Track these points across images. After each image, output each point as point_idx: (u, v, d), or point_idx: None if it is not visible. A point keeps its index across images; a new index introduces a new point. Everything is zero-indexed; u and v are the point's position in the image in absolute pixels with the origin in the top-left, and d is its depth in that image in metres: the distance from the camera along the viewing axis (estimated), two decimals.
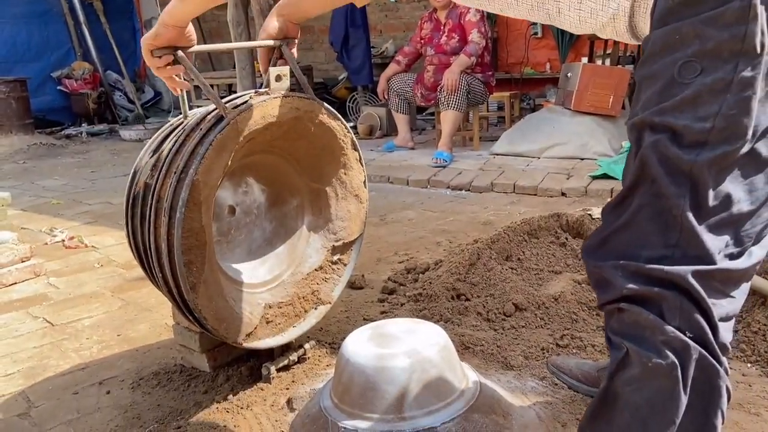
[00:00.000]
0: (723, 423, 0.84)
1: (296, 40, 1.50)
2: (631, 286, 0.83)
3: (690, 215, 0.81)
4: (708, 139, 0.81)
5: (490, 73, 5.07)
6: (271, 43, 1.45)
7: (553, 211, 2.71)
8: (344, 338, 1.52)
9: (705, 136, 0.81)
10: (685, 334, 0.80)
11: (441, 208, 3.77)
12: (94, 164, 6.07)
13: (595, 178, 3.97)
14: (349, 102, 6.97)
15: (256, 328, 1.62)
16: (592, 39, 5.69)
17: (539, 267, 2.38)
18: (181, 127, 1.57)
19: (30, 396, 1.81)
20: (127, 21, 9.26)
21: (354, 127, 6.64)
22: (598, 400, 0.89)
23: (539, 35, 7.03)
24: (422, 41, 5.18)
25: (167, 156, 1.47)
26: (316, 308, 1.79)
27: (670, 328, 0.81)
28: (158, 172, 1.47)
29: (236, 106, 1.45)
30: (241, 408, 1.63)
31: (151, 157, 1.58)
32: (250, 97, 1.49)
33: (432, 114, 6.53)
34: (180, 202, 1.37)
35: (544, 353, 1.81)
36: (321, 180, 1.78)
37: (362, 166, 1.79)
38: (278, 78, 1.48)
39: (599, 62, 5.62)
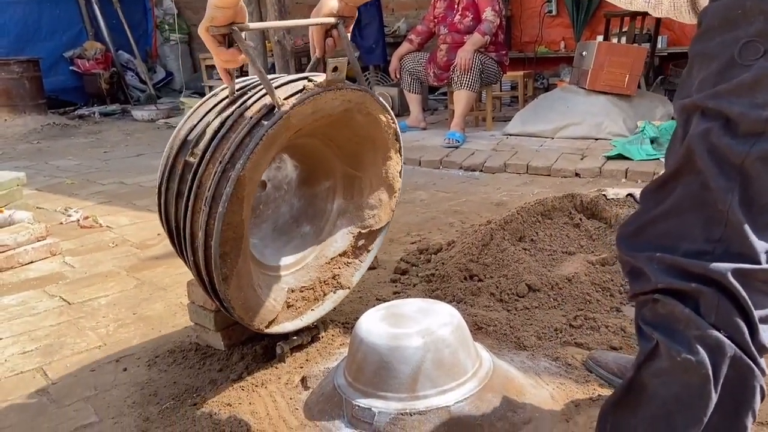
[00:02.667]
0: (754, 422, 0.82)
1: (353, 19, 1.43)
2: (666, 279, 0.80)
3: (738, 211, 0.76)
4: (765, 129, 0.74)
5: (503, 52, 5.01)
6: (331, 20, 1.37)
7: (566, 191, 2.69)
8: (357, 318, 1.52)
9: (762, 125, 0.74)
10: (720, 332, 0.77)
11: (453, 188, 3.75)
12: (107, 144, 6.10)
13: (609, 158, 3.94)
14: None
15: (278, 314, 1.63)
16: (608, 16, 5.59)
17: (553, 248, 2.37)
18: (226, 102, 1.48)
19: (48, 373, 1.84)
20: (139, 0, 9.24)
21: None
22: (623, 389, 0.87)
23: (554, 13, 6.93)
24: (435, 20, 5.12)
25: (212, 139, 1.40)
26: (334, 292, 1.80)
27: (705, 324, 0.77)
28: (201, 156, 1.39)
29: (288, 96, 1.37)
30: (256, 386, 1.65)
31: (191, 132, 1.49)
32: (304, 88, 1.40)
33: (444, 94, 6.48)
34: (223, 197, 1.31)
35: (557, 334, 1.81)
36: (358, 167, 1.76)
37: (401, 156, 1.76)
38: (335, 69, 1.39)
39: (615, 40, 5.53)
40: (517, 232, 2.41)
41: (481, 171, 4.13)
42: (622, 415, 0.86)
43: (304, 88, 1.39)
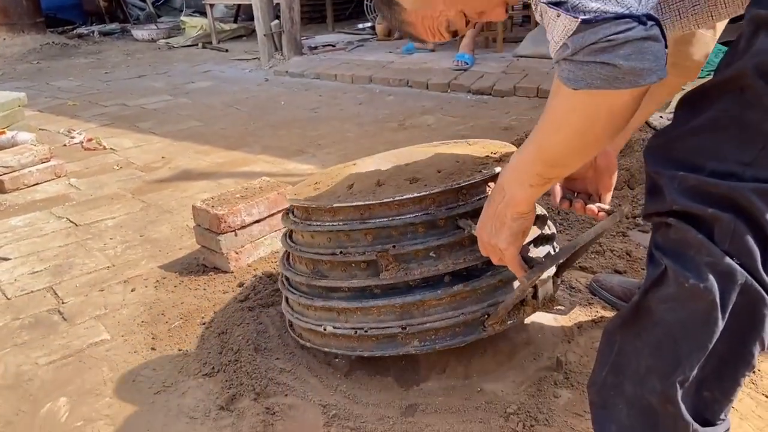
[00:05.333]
0: (762, 350, 0.81)
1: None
2: (683, 202, 0.76)
3: None
4: None
5: None
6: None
7: None
8: None
9: None
10: (733, 259, 0.74)
11: (461, 113, 3.68)
12: (107, 65, 5.98)
13: None
14: (367, 0, 6.68)
15: None
16: None
17: None
18: (453, 239, 1.21)
19: (58, 292, 1.87)
20: None
21: (372, 28, 6.40)
22: (630, 312, 0.85)
23: None
24: None
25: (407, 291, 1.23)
26: None
27: (718, 251, 0.74)
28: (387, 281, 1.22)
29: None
30: (263, 306, 1.67)
31: (404, 233, 1.22)
32: (523, 304, 1.25)
33: None
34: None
35: None
36: None
37: None
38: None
39: None
40: None
41: (490, 95, 4.03)
42: (627, 336, 0.85)
43: (523, 305, 1.25)
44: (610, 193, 1.17)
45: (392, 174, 1.31)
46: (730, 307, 0.75)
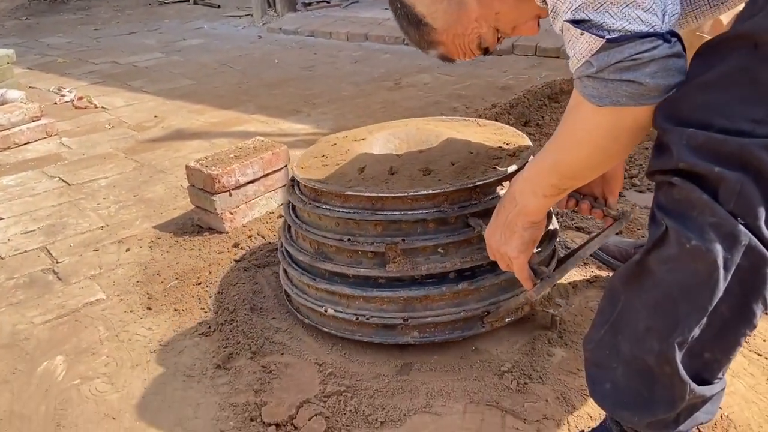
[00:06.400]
0: (765, 310, 0.80)
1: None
2: (690, 159, 0.73)
3: None
4: None
5: None
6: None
7: None
8: None
9: None
10: (737, 220, 0.72)
11: (458, 71, 3.63)
12: (97, 21, 5.85)
13: None
14: None
15: None
16: None
17: None
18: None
19: (52, 252, 1.86)
20: None
21: None
22: (631, 271, 0.84)
23: None
24: None
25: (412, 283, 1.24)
26: None
27: (722, 212, 0.72)
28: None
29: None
30: (258, 267, 1.67)
31: (414, 230, 1.22)
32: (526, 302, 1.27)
33: None
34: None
35: (558, 218, 1.80)
36: None
37: None
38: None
39: None
40: (522, 116, 2.35)
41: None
42: (628, 294, 0.85)
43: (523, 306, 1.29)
44: (616, 197, 1.18)
45: (405, 161, 1.29)
46: (733, 268, 0.74)
